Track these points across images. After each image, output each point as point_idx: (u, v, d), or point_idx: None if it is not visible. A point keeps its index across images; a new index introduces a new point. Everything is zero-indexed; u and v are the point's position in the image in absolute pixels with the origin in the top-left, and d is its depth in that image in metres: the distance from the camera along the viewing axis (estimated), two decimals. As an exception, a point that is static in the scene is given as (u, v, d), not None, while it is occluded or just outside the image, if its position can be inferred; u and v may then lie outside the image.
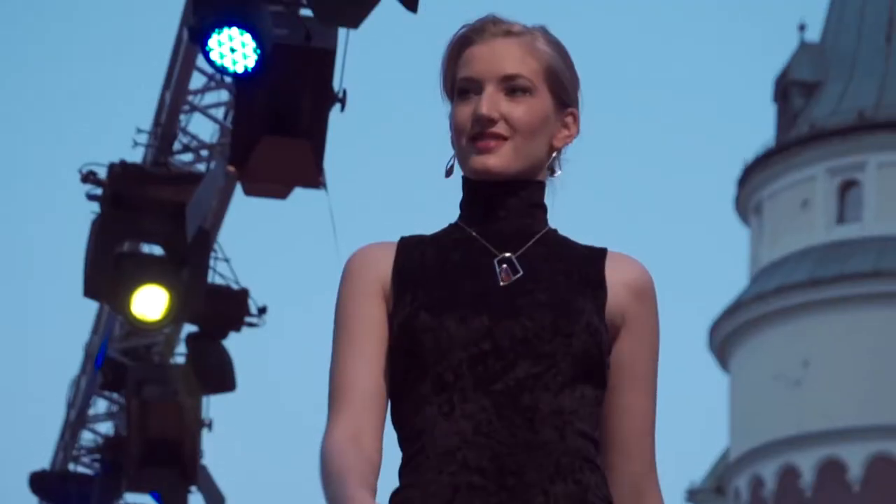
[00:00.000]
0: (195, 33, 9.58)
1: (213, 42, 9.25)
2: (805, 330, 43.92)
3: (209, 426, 13.64)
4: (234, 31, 9.19)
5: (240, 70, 9.33)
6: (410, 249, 3.14)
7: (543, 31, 3.15)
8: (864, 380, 42.94)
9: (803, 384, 43.88)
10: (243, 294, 12.79)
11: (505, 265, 3.08)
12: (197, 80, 11.71)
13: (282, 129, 9.76)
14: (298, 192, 10.29)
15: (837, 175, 45.18)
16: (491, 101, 3.06)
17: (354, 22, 9.11)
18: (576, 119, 3.16)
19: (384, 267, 3.12)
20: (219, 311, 12.55)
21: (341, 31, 9.58)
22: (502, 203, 3.12)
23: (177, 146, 12.14)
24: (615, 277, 3.11)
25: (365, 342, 3.09)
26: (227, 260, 12.74)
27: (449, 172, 3.17)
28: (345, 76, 9.77)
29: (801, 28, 47.55)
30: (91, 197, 11.99)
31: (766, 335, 44.64)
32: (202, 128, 12.13)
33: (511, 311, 3.02)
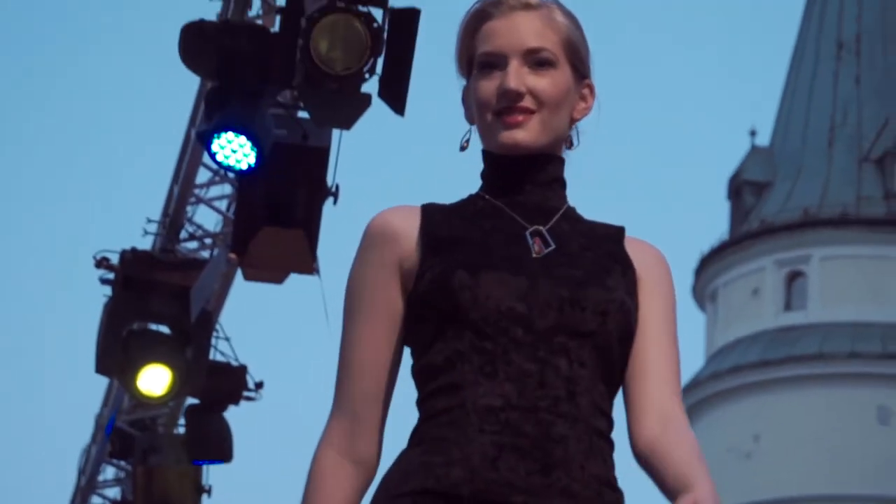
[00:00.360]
0: (202, 135, 9.62)
1: (217, 144, 9.25)
2: (756, 407, 44.10)
3: (209, 492, 13.56)
4: (241, 135, 9.21)
5: (241, 167, 9.34)
6: (436, 214, 2.91)
7: (558, 3, 2.95)
8: (810, 453, 43.12)
9: (754, 457, 44.08)
10: (242, 370, 12.76)
11: (537, 237, 2.86)
12: (203, 175, 11.76)
13: (279, 220, 9.77)
14: (294, 278, 10.30)
15: (785, 267, 45.62)
16: (517, 75, 2.85)
17: (347, 124, 9.12)
18: (592, 90, 2.97)
19: (408, 232, 2.88)
20: (219, 385, 12.53)
21: (335, 132, 9.61)
22: (527, 177, 2.91)
23: (183, 235, 12.18)
24: (636, 255, 2.91)
25: (377, 325, 2.88)
26: (227, 339, 12.72)
27: (464, 147, 2.96)
28: (338, 172, 9.81)
29: (752, 133, 48.13)
30: (104, 281, 12.04)
31: (720, 411, 44.82)
32: (207, 218, 12.18)
33: (549, 281, 2.79)
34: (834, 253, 44.93)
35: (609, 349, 2.80)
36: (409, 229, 2.88)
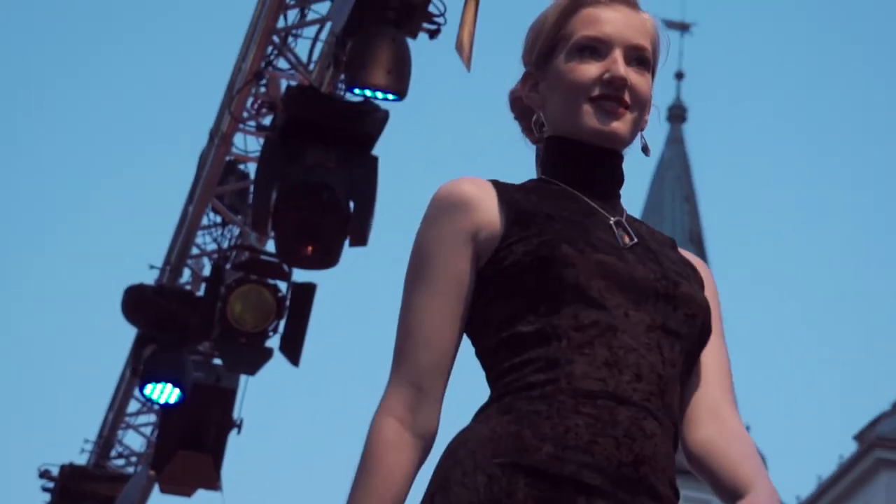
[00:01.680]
0: (137, 371, 9.71)
1: (149, 383, 9.32)
2: None
3: None
4: (169, 377, 9.28)
5: (166, 400, 9.35)
6: (511, 189, 2.37)
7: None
8: None
9: None
10: (153, 567, 12.59)
11: (621, 228, 2.36)
12: (133, 406, 11.73)
13: (192, 446, 9.77)
14: (201, 493, 10.25)
15: None
16: (624, 67, 2.35)
17: (253, 370, 9.21)
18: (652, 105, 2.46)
19: (485, 201, 2.33)
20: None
21: (242, 377, 9.69)
22: (603, 171, 2.40)
23: (113, 453, 12.09)
24: (693, 261, 2.45)
25: (446, 295, 2.31)
26: (144, 540, 12.56)
27: (540, 129, 2.42)
28: (243, 409, 9.89)
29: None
30: (45, 489, 11.94)
31: None
32: (134, 441, 12.11)
33: (646, 271, 2.30)
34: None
35: (692, 353, 2.35)
36: (487, 199, 2.34)
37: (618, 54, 2.35)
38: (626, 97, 2.35)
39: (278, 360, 8.95)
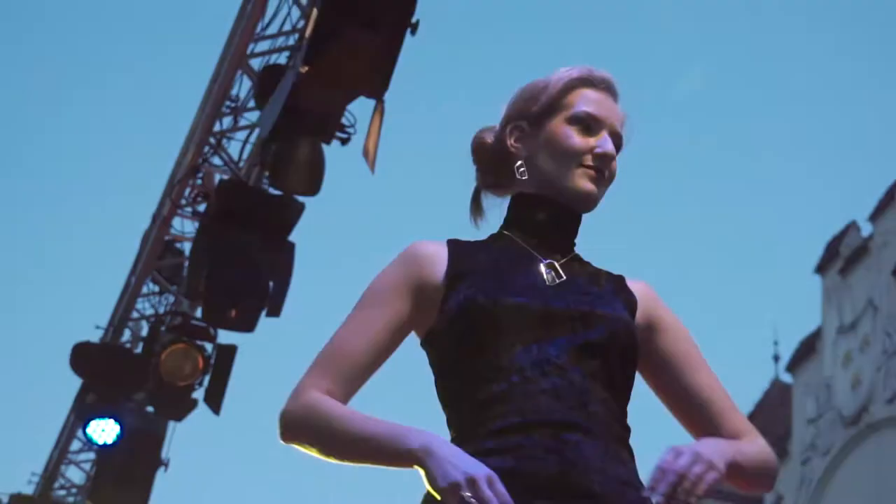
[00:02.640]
0: (80, 415, 9.66)
1: (90, 424, 9.28)
2: None
3: None
4: (107, 420, 9.26)
5: (104, 441, 9.32)
6: (463, 249, 2.33)
7: None
8: None
9: None
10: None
11: (551, 270, 2.30)
12: (75, 445, 11.63)
13: (125, 480, 9.60)
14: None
15: None
16: (611, 147, 2.34)
17: (179, 418, 9.19)
18: None
19: (437, 263, 2.30)
20: None
21: (171, 423, 9.61)
22: (562, 226, 2.36)
23: (57, 485, 11.96)
24: (636, 290, 2.37)
25: (375, 324, 2.26)
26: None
27: (522, 175, 2.35)
28: (171, 450, 9.77)
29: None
30: (-4, 515, 11.82)
31: None
32: (75, 475, 12.00)
33: (562, 305, 2.24)
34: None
35: (615, 362, 2.24)
36: (440, 258, 2.30)
37: (606, 136, 2.34)
38: (606, 171, 2.34)
39: (202, 410, 8.98)
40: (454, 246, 2.34)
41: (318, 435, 2.21)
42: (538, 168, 2.36)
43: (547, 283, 2.28)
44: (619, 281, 2.38)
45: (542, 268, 2.30)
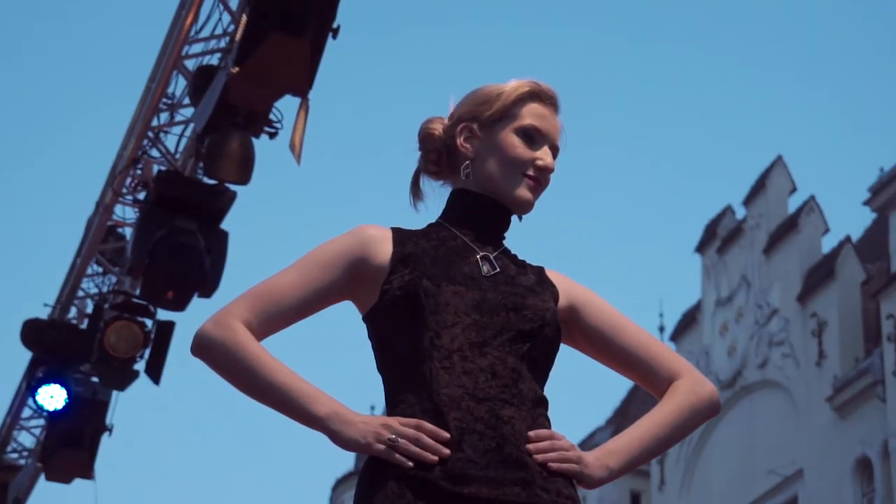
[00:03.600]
0: (30, 385, 9.46)
1: (39, 392, 9.11)
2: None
3: None
4: (55, 386, 9.11)
5: (53, 408, 9.20)
6: (406, 235, 2.30)
7: None
8: None
9: None
10: (38, 537, 12.21)
11: (486, 262, 2.28)
12: (26, 412, 11.40)
13: (72, 444, 9.53)
14: (77, 482, 10.01)
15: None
16: (551, 160, 2.33)
17: (122, 387, 9.01)
18: None
19: (380, 246, 2.27)
20: (22, 547, 11.97)
21: (114, 392, 9.49)
22: (497, 222, 2.34)
23: (9, 449, 11.74)
24: (556, 280, 2.34)
25: (307, 278, 2.23)
26: (30, 517, 12.18)
27: (467, 175, 2.31)
28: (114, 416, 9.70)
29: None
30: (-48, 477, 11.53)
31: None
32: (26, 439, 11.78)
33: (496, 294, 2.23)
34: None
35: (542, 347, 2.24)
36: (383, 242, 2.27)
37: (548, 149, 2.33)
38: (544, 182, 2.34)
39: (143, 380, 8.83)
40: (398, 232, 2.30)
41: (231, 366, 2.19)
42: (483, 170, 2.33)
43: (483, 273, 2.27)
44: (541, 272, 2.37)
45: (479, 259, 2.29)
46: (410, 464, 2.08)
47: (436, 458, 2.08)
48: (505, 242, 2.37)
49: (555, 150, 2.35)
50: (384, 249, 2.27)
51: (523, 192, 2.31)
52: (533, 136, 2.32)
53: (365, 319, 2.28)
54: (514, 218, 2.37)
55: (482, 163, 2.33)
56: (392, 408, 2.19)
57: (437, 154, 2.38)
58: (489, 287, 2.25)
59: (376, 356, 2.27)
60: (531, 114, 2.33)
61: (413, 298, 2.19)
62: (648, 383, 2.35)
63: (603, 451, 2.26)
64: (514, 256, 2.37)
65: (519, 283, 2.29)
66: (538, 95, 2.35)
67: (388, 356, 2.23)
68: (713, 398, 2.34)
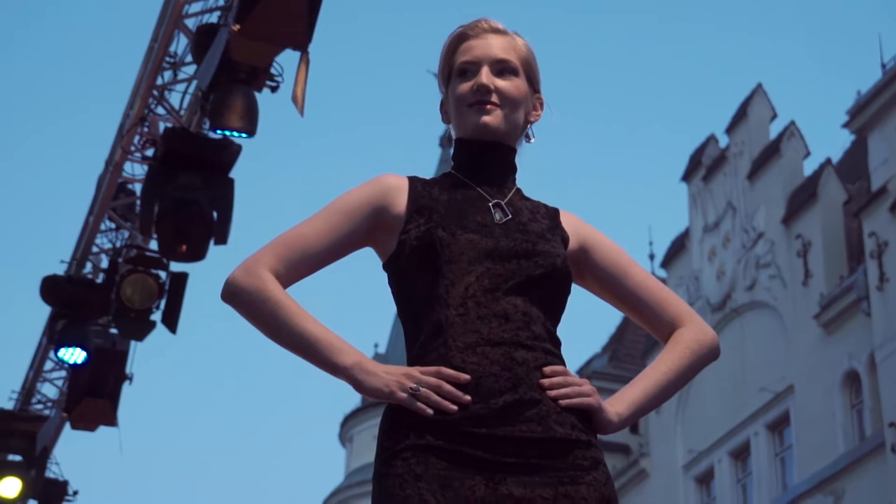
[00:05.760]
0: (52, 339, 9.53)
1: (62, 351, 9.19)
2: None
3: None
4: (76, 349, 9.16)
5: (74, 361, 9.25)
6: (421, 185, 2.32)
7: (518, 34, 2.43)
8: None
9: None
10: (65, 483, 12.32)
11: (498, 208, 2.30)
12: (49, 364, 11.50)
13: (95, 393, 9.64)
14: (102, 429, 10.13)
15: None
16: (488, 76, 2.32)
17: (141, 337, 9.12)
18: (542, 102, 2.42)
19: (397, 194, 2.29)
20: (49, 493, 12.11)
21: (132, 342, 9.60)
22: (491, 160, 2.34)
23: (34, 400, 11.85)
24: (567, 224, 2.36)
25: (332, 226, 2.25)
26: (57, 464, 12.28)
27: (449, 140, 2.49)
28: (133, 365, 9.81)
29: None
30: (-21, 428, 11.66)
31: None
32: (50, 391, 11.89)
33: (509, 241, 2.24)
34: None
35: (553, 291, 2.26)
36: (400, 190, 2.29)
37: (485, 70, 2.33)
38: (495, 99, 2.32)
39: (160, 330, 8.91)
40: (414, 182, 2.32)
41: (259, 314, 2.20)
42: (453, 124, 2.38)
43: (496, 221, 2.28)
44: (555, 215, 2.38)
45: (491, 207, 2.30)
46: (430, 411, 2.11)
47: (455, 407, 2.11)
48: (518, 183, 2.38)
49: (500, 64, 2.34)
50: (401, 199, 2.29)
51: (475, 118, 2.31)
52: (466, 70, 2.34)
53: (385, 268, 2.30)
54: (523, 156, 2.39)
55: (452, 119, 2.38)
56: (412, 353, 2.21)
57: (444, 110, 2.44)
58: (501, 234, 2.25)
59: (396, 303, 2.29)
60: (461, 54, 2.36)
61: (429, 248, 2.21)
62: (652, 326, 2.37)
63: (611, 400, 2.26)
64: (528, 199, 2.37)
65: (530, 229, 2.29)
66: (465, 35, 2.37)
67: (406, 304, 2.25)
68: (714, 345, 2.36)
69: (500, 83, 2.33)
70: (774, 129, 21.52)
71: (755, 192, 21.20)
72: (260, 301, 2.20)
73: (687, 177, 23.45)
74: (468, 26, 2.38)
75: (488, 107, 2.31)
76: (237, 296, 2.22)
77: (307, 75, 6.78)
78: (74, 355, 9.17)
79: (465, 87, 2.33)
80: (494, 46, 2.35)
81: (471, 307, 2.18)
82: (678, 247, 23.48)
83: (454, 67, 2.37)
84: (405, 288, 2.25)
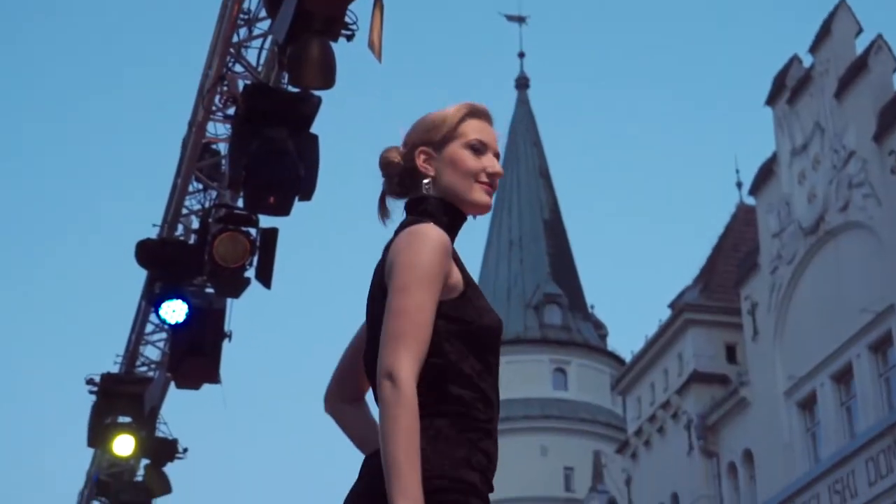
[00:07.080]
0: (150, 301, 9.59)
1: (162, 307, 9.24)
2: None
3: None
4: (176, 301, 9.22)
5: (175, 321, 9.31)
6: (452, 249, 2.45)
7: None
8: None
9: None
10: (174, 442, 12.50)
11: None
12: (149, 328, 11.63)
13: (196, 353, 9.70)
14: (206, 387, 10.20)
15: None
16: (498, 166, 2.52)
17: (236, 295, 9.12)
18: None
19: (452, 260, 2.40)
20: (161, 451, 12.31)
21: (229, 301, 9.61)
22: (458, 227, 2.51)
23: (138, 363, 12.02)
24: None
25: (434, 304, 2.31)
26: (166, 423, 12.46)
27: (428, 191, 2.48)
28: (231, 323, 9.83)
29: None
30: (91, 392, 11.82)
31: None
32: (152, 353, 12.03)
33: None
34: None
35: None
36: (451, 255, 2.41)
37: (492, 156, 2.52)
38: (495, 184, 2.52)
39: (255, 286, 8.91)
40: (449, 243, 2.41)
41: (387, 429, 2.22)
42: (443, 183, 2.49)
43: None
44: None
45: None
46: None
47: None
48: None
49: (497, 157, 2.54)
50: (454, 266, 2.39)
51: (481, 196, 2.49)
52: (479, 148, 2.51)
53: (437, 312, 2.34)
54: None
55: (441, 178, 2.49)
56: (462, 424, 2.30)
57: (399, 177, 2.53)
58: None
59: (432, 367, 2.31)
60: (473, 129, 2.52)
61: (487, 341, 2.35)
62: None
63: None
64: None
65: None
66: (475, 113, 2.54)
67: (452, 365, 2.32)
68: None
69: None
70: (860, 44, 20.87)
71: (843, 111, 20.61)
72: (413, 427, 2.22)
73: (771, 100, 22.90)
74: (475, 105, 2.55)
75: (491, 191, 2.51)
76: (398, 419, 2.21)
77: (382, 21, 6.65)
78: (175, 315, 9.22)
79: (479, 163, 2.50)
80: (496, 138, 2.55)
81: (490, 385, 2.37)
82: (766, 173, 22.98)
83: (463, 136, 2.51)
84: (455, 351, 2.33)
